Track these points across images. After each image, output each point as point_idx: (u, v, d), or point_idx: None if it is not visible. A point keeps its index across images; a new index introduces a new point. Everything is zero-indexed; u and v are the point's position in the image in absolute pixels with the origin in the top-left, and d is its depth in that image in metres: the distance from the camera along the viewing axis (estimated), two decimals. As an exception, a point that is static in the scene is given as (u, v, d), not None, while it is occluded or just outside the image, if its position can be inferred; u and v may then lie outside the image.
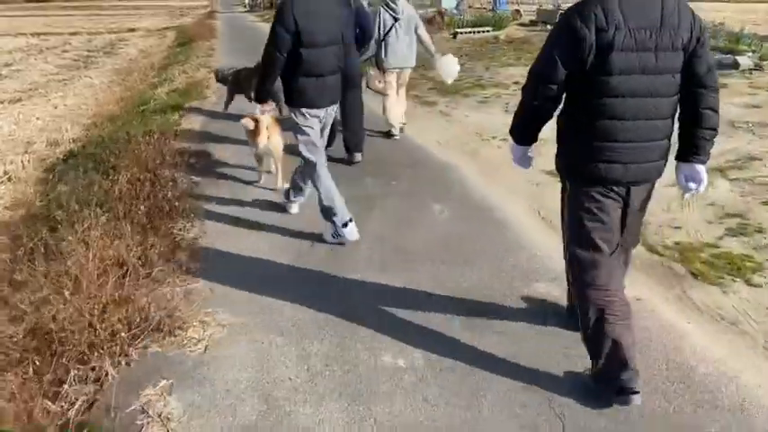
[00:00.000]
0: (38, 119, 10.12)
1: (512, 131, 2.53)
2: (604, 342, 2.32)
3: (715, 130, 2.32)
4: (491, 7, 25.44)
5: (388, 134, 6.58)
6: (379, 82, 6.33)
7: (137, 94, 11.13)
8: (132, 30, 25.86)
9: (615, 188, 2.33)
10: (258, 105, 4.08)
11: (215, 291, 3.31)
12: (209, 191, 4.81)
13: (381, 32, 5.83)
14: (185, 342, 2.79)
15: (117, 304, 2.72)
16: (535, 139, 2.51)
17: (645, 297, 3.27)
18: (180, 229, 3.77)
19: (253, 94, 3.99)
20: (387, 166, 5.57)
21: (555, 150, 2.51)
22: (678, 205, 4.57)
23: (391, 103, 6.40)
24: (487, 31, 13.64)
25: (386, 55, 5.98)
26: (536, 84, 2.30)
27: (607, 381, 2.35)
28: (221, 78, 7.93)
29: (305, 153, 3.83)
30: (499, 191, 4.89)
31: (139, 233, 3.57)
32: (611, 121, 2.23)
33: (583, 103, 2.26)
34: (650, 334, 2.91)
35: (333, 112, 3.99)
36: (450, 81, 6.81)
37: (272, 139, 4.59)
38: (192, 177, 5.12)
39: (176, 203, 3.88)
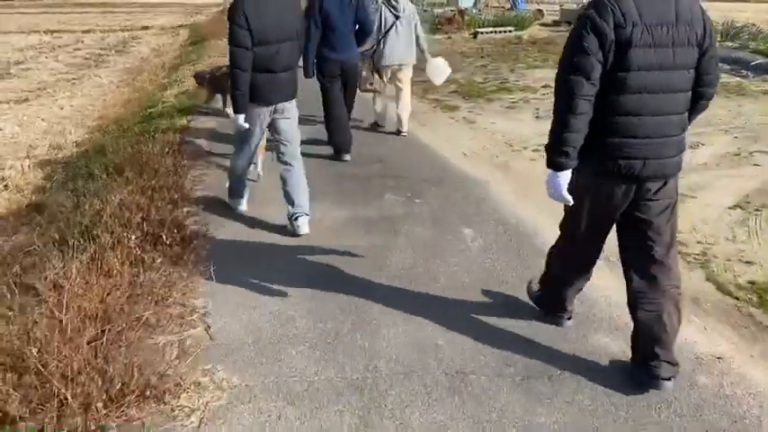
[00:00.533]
0: (43, 120, 9.72)
1: (552, 160, 2.30)
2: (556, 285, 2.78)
3: (699, 113, 2.43)
4: (509, 6, 24.93)
5: (375, 125, 6.59)
6: (371, 84, 6.33)
7: (145, 95, 10.70)
8: (146, 27, 25.52)
9: (627, 184, 2.30)
10: (240, 116, 3.75)
11: (216, 337, 2.81)
12: (216, 212, 4.31)
13: (382, 29, 5.82)
14: (176, 413, 2.29)
15: (93, 366, 2.23)
16: (576, 161, 2.30)
17: (726, 354, 2.72)
18: (176, 262, 3.25)
19: (232, 105, 3.88)
20: (409, 180, 5.04)
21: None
22: (744, 233, 4.01)
23: (383, 98, 6.43)
24: (509, 32, 13.05)
25: (384, 52, 5.94)
26: (578, 84, 2.17)
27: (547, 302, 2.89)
28: (200, 81, 7.71)
29: (237, 144, 4.05)
30: (537, 212, 4.34)
31: (131, 264, 3.08)
32: (629, 117, 2.22)
33: (600, 99, 2.22)
34: (742, 407, 2.36)
35: (289, 106, 3.94)
36: (438, 83, 6.86)
37: None
38: (197, 193, 4.63)
39: (175, 230, 3.38)
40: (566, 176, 2.29)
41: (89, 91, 12.33)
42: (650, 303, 2.40)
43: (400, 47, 5.97)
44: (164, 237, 3.16)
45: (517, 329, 2.87)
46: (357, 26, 5.31)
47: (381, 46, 5.88)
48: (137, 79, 13.39)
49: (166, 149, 5.15)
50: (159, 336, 2.74)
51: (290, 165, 3.98)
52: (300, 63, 4.21)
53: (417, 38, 6.19)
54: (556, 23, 14.59)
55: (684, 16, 2.17)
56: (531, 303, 3.03)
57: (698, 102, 2.35)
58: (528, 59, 11.23)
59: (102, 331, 2.56)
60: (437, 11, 14.95)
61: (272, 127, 3.96)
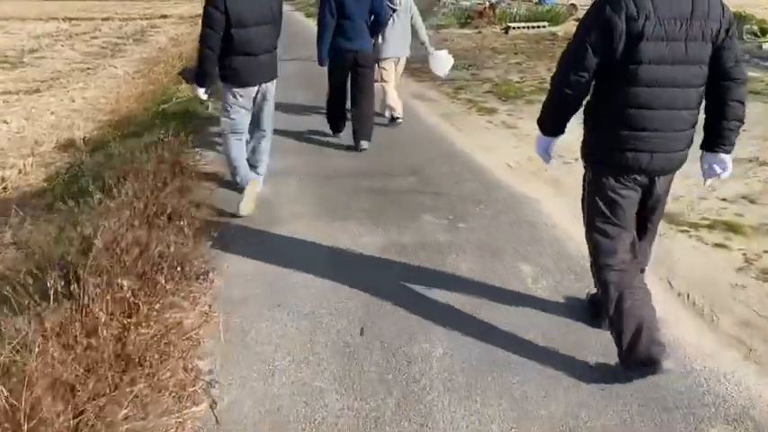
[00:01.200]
0: (52, 114, 9.20)
1: (539, 121, 2.52)
2: (628, 321, 2.31)
3: (741, 121, 2.34)
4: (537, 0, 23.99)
5: (392, 119, 6.29)
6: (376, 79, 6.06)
7: (160, 88, 10.11)
8: (165, 16, 24.99)
9: (638, 177, 2.33)
10: (200, 89, 4.05)
11: (223, 419, 2.19)
12: (227, 240, 3.70)
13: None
14: None
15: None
16: (562, 131, 2.49)
17: None
18: (177, 320, 2.63)
19: (195, 78, 4.02)
20: (448, 198, 4.38)
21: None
22: None
23: (391, 88, 6.27)
24: (543, 27, 12.26)
25: (382, 45, 5.89)
26: (567, 72, 2.27)
27: (636, 357, 2.28)
28: (186, 77, 6.97)
29: (224, 127, 4.10)
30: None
31: (123, 314, 2.48)
32: (639, 110, 2.22)
33: (611, 92, 2.26)
34: None
35: (271, 88, 4.14)
36: (442, 75, 6.88)
37: None
38: (205, 215, 4.02)
39: (178, 267, 2.76)
40: (547, 140, 2.51)
41: (103, 82, 11.81)
42: (638, 290, 2.40)
43: (397, 40, 5.98)
44: (163, 281, 2.53)
45: (598, 413, 2.22)
46: (371, 17, 5.25)
47: (380, 39, 5.81)
48: (152, 71, 12.82)
49: (173, 162, 4.54)
50: (151, 416, 2.13)
51: (264, 130, 4.33)
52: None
53: (417, 30, 6.23)
54: (590, 18, 13.67)
55: (700, 11, 2.15)
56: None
57: (726, 102, 2.29)
58: (564, 57, 10.45)
59: (81, 412, 1.97)
60: (465, 3, 14.19)
61: (256, 107, 4.17)
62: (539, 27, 12.25)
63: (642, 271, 2.54)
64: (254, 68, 3.91)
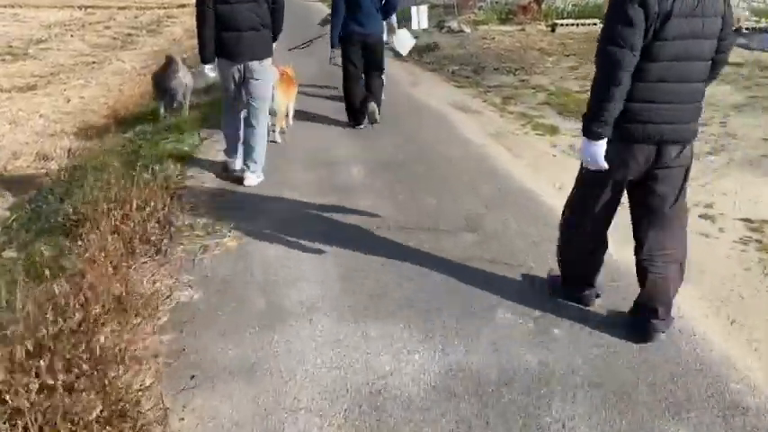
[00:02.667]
0: (41, 117, 8.01)
1: (592, 123, 2.30)
2: (572, 256, 2.66)
3: (714, 78, 2.48)
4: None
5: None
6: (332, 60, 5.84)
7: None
8: (182, 6, 23.80)
9: (650, 147, 2.33)
10: (205, 66, 4.09)
11: None
12: (221, 333, 2.45)
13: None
14: None
15: None
16: (612, 128, 2.33)
17: None
18: None
19: (200, 57, 4.08)
20: (528, 271, 3.10)
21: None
22: None
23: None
24: (593, 25, 10.80)
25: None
26: (622, 56, 2.18)
27: (567, 289, 2.73)
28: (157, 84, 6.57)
29: (222, 99, 4.30)
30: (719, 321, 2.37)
31: None
32: (658, 84, 2.27)
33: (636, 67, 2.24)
34: None
35: (258, 67, 4.05)
36: (404, 54, 6.87)
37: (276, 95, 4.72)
38: (194, 293, 2.76)
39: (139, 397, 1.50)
40: (603, 144, 2.32)
41: (106, 78, 10.62)
42: (657, 266, 2.45)
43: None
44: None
45: None
46: (382, 1, 5.31)
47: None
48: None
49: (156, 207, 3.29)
50: None
51: (254, 126, 4.20)
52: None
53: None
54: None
55: None
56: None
57: (715, 67, 2.40)
58: (623, 60, 8.99)
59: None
60: None
61: (244, 87, 4.10)
62: (589, 25, 10.78)
63: (683, 252, 2.52)
64: (238, 44, 3.95)
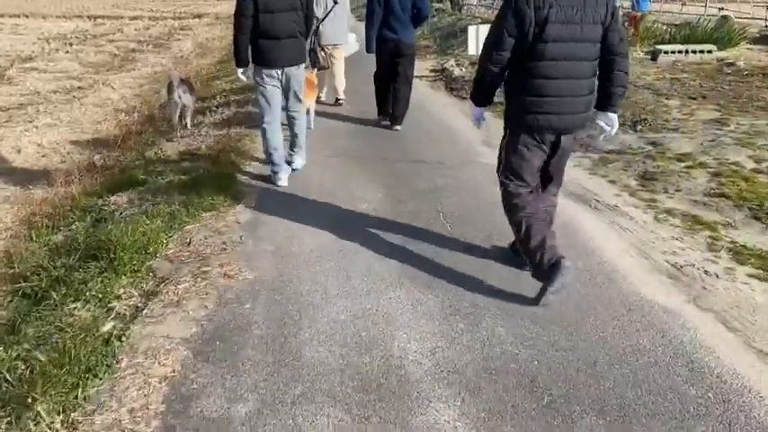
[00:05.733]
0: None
1: (472, 96, 2.88)
2: (535, 241, 2.71)
3: (625, 87, 2.78)
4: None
5: (336, 102, 6.61)
6: (323, 59, 6.12)
7: (148, 135, 6.50)
8: (199, 16, 21.60)
9: (546, 135, 2.70)
10: (239, 69, 4.13)
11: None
12: None
13: (323, 13, 6.02)
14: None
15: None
16: (490, 101, 2.86)
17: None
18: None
19: (234, 61, 4.13)
20: None
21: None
22: None
23: (340, 71, 6.56)
24: (707, 53, 8.11)
25: (324, 32, 6.09)
26: (490, 52, 2.64)
27: (544, 264, 2.67)
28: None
29: (258, 106, 4.21)
30: None
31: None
32: (546, 80, 2.60)
33: (523, 66, 2.61)
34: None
35: (295, 72, 4.15)
36: (346, 55, 6.70)
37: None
38: None
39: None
40: (479, 110, 2.91)
41: (84, 113, 8.25)
42: (540, 220, 2.79)
43: (336, 28, 6.22)
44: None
45: None
46: (415, 10, 5.37)
47: (321, 28, 6.03)
48: (160, 93, 9.29)
49: None
50: None
51: (297, 119, 4.38)
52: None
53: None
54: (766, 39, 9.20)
55: (592, 0, 2.55)
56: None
57: (613, 71, 2.68)
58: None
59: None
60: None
61: (284, 90, 4.20)
62: (702, 52, 8.07)
63: (553, 206, 2.95)
64: (278, 51, 4.02)
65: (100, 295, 2.69)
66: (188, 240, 3.24)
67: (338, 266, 3.04)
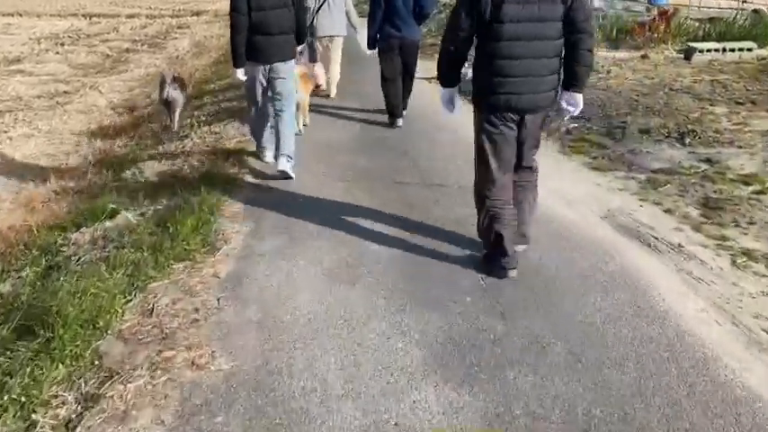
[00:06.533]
0: None
1: (439, 78, 2.89)
2: (494, 238, 2.77)
3: (590, 66, 2.73)
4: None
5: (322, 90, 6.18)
6: (319, 52, 6.18)
7: (133, 146, 5.78)
8: (197, 14, 20.82)
9: (511, 115, 2.68)
10: (237, 70, 4.13)
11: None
12: None
13: (315, 6, 5.99)
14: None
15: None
16: (458, 81, 2.86)
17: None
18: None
19: (232, 61, 4.16)
20: None
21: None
22: None
23: (336, 63, 6.47)
24: (747, 50, 7.32)
25: (317, 25, 6.05)
26: (449, 33, 2.69)
27: (492, 261, 2.83)
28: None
29: (247, 100, 4.43)
30: None
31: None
32: (507, 61, 2.60)
33: (485, 47, 2.63)
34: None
35: (283, 68, 4.15)
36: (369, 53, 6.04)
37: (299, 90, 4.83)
38: None
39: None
40: (448, 91, 2.88)
41: (65, 122, 7.53)
42: (506, 213, 2.81)
43: (330, 21, 6.13)
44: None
45: None
46: (417, 8, 5.28)
47: (315, 21, 6.00)
48: (150, 97, 8.57)
49: None
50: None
51: (283, 118, 4.22)
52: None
53: (349, 15, 6.36)
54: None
55: None
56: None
57: (578, 50, 2.62)
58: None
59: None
60: (617, 9, 9.12)
61: (270, 85, 4.21)
62: (740, 51, 7.29)
63: (528, 182, 2.95)
64: (270, 47, 4.06)
65: (22, 399, 1.98)
66: (150, 307, 2.52)
67: (343, 346, 2.32)
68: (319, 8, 6.07)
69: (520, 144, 2.77)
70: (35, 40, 14.53)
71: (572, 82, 2.70)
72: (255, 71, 4.12)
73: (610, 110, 5.69)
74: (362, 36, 6.02)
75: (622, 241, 3.32)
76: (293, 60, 4.26)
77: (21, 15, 19.45)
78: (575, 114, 2.84)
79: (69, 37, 15.31)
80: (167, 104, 5.79)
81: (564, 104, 2.77)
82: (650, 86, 6.44)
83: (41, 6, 22.16)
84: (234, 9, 3.95)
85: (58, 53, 12.82)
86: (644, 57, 7.47)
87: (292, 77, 4.29)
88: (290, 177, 4.11)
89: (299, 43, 4.37)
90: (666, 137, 4.94)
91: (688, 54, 7.43)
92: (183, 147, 5.16)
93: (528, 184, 2.95)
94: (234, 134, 5.37)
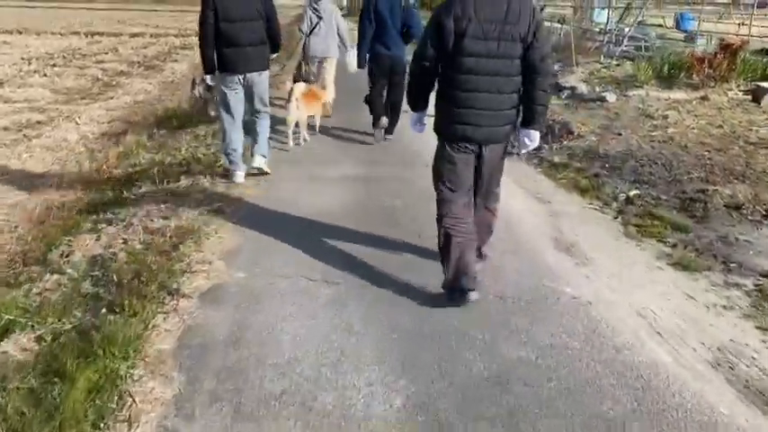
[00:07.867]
0: None
1: (410, 104, 2.99)
2: (452, 255, 2.76)
3: (545, 106, 2.82)
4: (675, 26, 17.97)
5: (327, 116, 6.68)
6: (306, 72, 6.49)
7: (68, 219, 4.65)
8: (202, 33, 19.98)
9: (469, 145, 2.75)
10: (207, 76, 4.36)
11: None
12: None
13: (308, 28, 6.38)
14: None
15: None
16: (425, 107, 2.94)
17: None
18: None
19: (203, 68, 4.36)
20: None
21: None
22: None
23: (330, 82, 6.67)
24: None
25: (310, 46, 6.44)
26: (415, 61, 2.77)
27: (452, 285, 2.78)
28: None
29: (220, 110, 4.48)
30: None
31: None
32: (466, 93, 2.68)
33: (447, 78, 2.72)
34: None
35: (257, 79, 4.35)
36: (351, 70, 6.56)
37: (300, 107, 5.34)
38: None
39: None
40: (416, 115, 2.99)
41: (24, 162, 6.45)
42: (465, 237, 2.80)
43: (323, 42, 6.45)
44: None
45: None
46: (405, 28, 5.57)
47: (308, 42, 6.42)
48: (133, 128, 7.51)
49: None
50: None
51: (259, 121, 4.51)
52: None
53: (339, 34, 6.55)
54: None
55: (512, 17, 2.57)
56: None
57: (534, 90, 2.69)
58: None
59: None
60: (659, 39, 7.82)
61: (247, 94, 4.40)
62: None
63: (488, 221, 3.05)
64: (238, 58, 4.20)
65: None
66: None
67: None
68: (311, 31, 6.46)
69: (480, 172, 2.84)
70: (26, 61, 13.64)
71: (530, 120, 2.79)
72: (229, 82, 4.27)
73: (679, 172, 4.48)
74: (350, 55, 6.42)
75: (757, 421, 2.10)
76: (267, 72, 4.42)
77: (20, 33, 18.71)
78: (531, 149, 2.92)
79: (63, 57, 14.43)
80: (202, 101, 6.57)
81: (524, 140, 2.83)
82: (720, 138, 5.23)
83: (45, 24, 21.50)
84: (201, 21, 4.12)
85: (45, 75, 11.88)
86: (703, 98, 6.26)
87: (266, 88, 4.47)
88: (267, 173, 4.53)
89: (273, 53, 4.47)
90: (763, 218, 3.72)
91: (757, 95, 6.21)
92: (135, 213, 4.01)
93: (488, 214, 3.03)
94: (200, 199, 4.22)
